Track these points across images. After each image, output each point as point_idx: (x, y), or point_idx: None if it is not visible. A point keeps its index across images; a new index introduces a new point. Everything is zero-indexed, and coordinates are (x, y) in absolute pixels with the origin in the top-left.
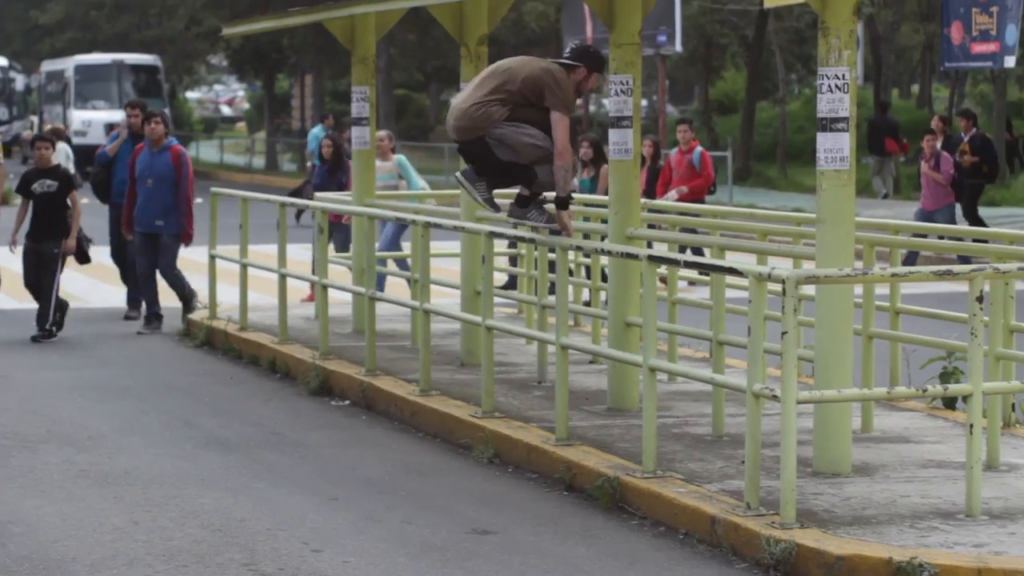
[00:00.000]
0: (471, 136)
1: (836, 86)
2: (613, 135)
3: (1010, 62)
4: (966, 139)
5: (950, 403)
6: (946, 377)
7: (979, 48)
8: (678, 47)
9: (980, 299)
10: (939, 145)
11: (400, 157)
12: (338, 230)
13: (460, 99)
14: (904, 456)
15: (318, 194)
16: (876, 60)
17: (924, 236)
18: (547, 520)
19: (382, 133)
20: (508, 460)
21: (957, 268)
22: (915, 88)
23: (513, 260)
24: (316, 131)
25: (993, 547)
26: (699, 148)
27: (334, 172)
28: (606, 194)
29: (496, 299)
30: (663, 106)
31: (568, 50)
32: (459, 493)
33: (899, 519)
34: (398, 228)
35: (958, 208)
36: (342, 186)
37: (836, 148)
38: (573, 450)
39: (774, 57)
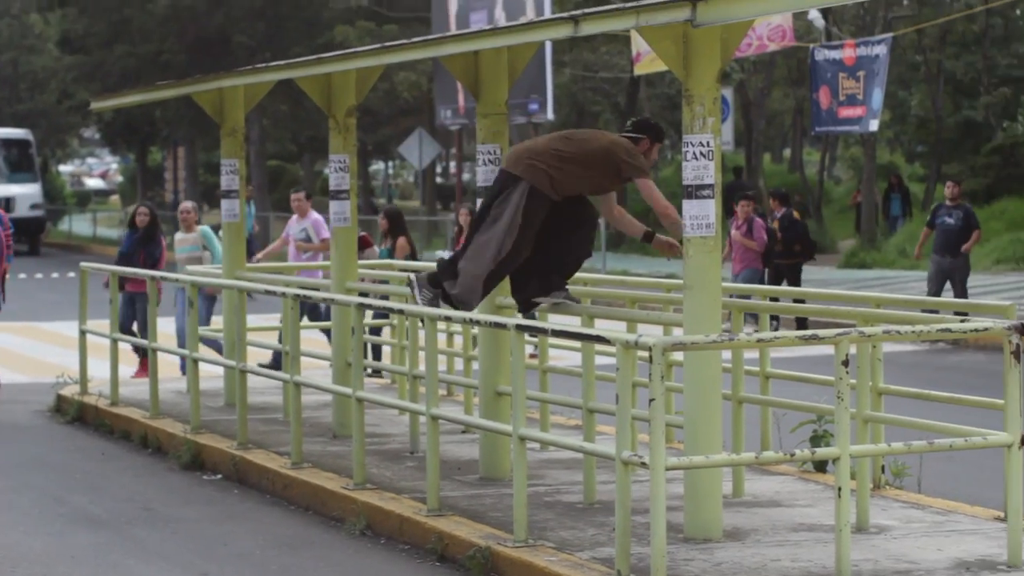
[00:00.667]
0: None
1: (701, 153)
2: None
3: (873, 125)
4: (777, 217)
5: (821, 466)
6: (816, 440)
7: (846, 112)
8: (550, 115)
9: (846, 363)
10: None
11: (204, 228)
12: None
13: (525, 144)
14: (775, 520)
15: (189, 268)
16: (747, 125)
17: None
18: None
19: (187, 204)
20: (380, 532)
21: (823, 332)
22: (787, 152)
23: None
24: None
25: None
26: None
27: (145, 243)
28: None
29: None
30: None
31: (630, 124)
32: (331, 566)
33: None
34: (208, 300)
35: None
36: (154, 258)
37: (702, 215)
38: (445, 520)
39: None
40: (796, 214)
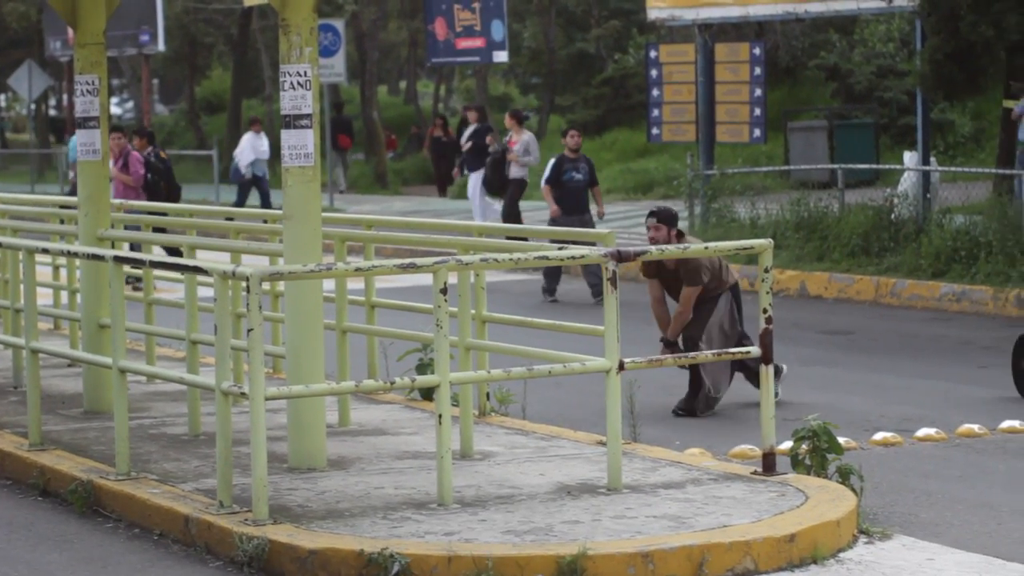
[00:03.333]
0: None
1: (299, 83)
2: (81, 135)
3: (500, 56)
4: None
5: (428, 395)
6: (422, 368)
7: (464, 43)
8: (161, 46)
9: (444, 291)
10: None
11: None
12: None
13: None
14: (380, 448)
15: None
16: (361, 57)
17: None
18: (19, 526)
19: None
20: None
21: (420, 261)
22: (403, 84)
23: None
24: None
25: (464, 534)
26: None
27: None
28: None
29: None
30: (147, 105)
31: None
32: None
33: (372, 511)
34: None
35: None
36: None
37: (300, 145)
38: (47, 455)
39: (260, 55)
40: (162, 153)
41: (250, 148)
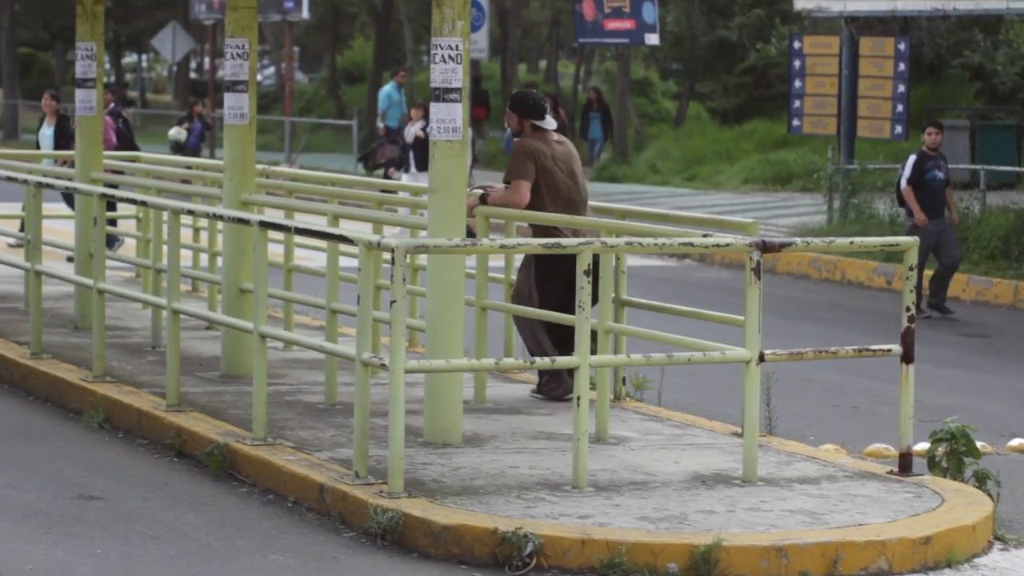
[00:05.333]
0: None
1: (450, 56)
2: (228, 99)
3: (652, 39)
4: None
5: None
6: None
7: (613, 24)
8: (305, 14)
9: (588, 272)
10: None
11: None
12: None
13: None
14: (515, 428)
15: None
16: (503, 34)
17: None
18: (156, 487)
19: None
20: (119, 425)
21: (566, 241)
22: (543, 63)
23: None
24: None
25: (598, 518)
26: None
27: None
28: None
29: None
30: (290, 72)
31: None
32: (67, 458)
33: (507, 490)
34: None
35: None
36: None
37: (449, 118)
38: (184, 416)
39: (402, 27)
40: (124, 113)
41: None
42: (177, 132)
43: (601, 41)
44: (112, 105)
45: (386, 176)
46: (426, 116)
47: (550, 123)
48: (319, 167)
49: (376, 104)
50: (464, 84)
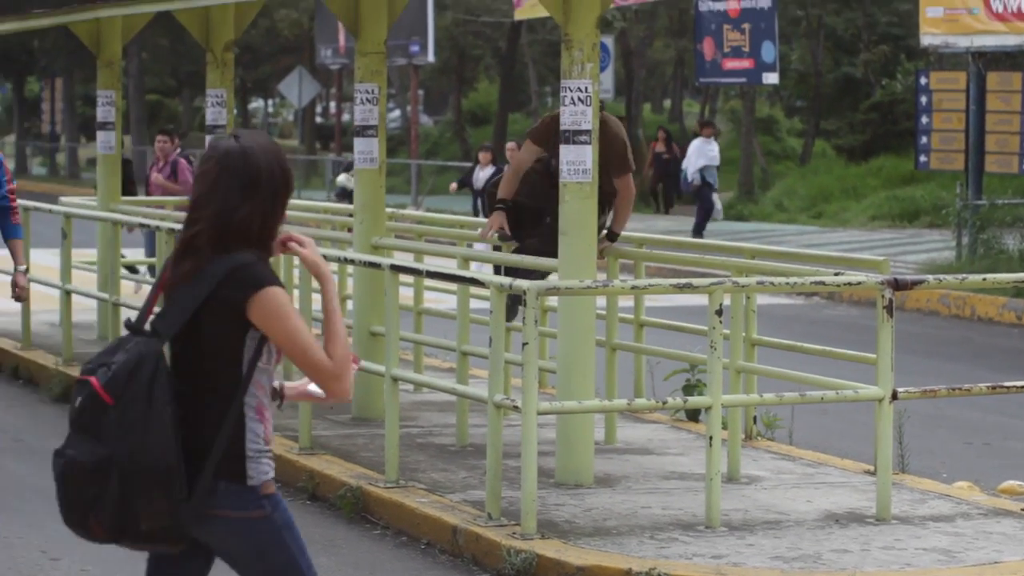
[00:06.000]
0: None
1: (579, 99)
2: (359, 144)
3: (771, 78)
4: None
5: (693, 415)
6: (688, 389)
7: (731, 64)
8: (431, 57)
9: (720, 312)
10: None
11: None
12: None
13: None
14: (646, 468)
15: (63, 199)
16: (628, 74)
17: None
18: None
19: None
20: None
21: (697, 281)
22: (667, 103)
23: None
24: None
25: (731, 558)
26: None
27: None
28: None
29: None
30: (415, 116)
31: None
32: None
33: (639, 530)
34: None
35: None
36: None
37: (579, 160)
38: (316, 459)
39: (527, 69)
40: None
41: (698, 153)
42: (346, 179)
43: (720, 81)
44: (179, 150)
45: None
46: (494, 161)
47: None
48: (445, 209)
49: (503, 143)
50: (593, 126)
